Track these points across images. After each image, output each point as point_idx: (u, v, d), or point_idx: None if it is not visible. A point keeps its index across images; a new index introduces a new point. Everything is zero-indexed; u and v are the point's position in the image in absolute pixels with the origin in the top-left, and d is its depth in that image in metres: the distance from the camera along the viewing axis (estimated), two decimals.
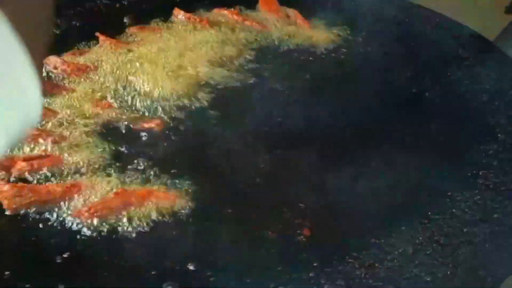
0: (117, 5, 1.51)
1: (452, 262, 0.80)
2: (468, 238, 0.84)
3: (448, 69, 1.22)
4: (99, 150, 1.02)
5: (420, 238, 0.85)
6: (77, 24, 1.44)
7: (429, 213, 0.90)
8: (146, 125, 1.09)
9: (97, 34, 1.34)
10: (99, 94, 1.16)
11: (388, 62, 1.25)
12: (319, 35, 1.36)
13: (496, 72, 1.19)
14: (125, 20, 1.44)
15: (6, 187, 0.93)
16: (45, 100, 1.13)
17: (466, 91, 1.17)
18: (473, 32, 1.32)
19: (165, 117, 1.10)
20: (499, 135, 1.04)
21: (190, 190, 0.95)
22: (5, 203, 0.92)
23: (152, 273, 0.82)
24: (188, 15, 1.43)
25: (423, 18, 1.42)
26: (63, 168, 0.99)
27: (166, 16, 1.44)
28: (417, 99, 1.14)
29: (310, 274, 0.81)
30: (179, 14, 1.44)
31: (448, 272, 0.79)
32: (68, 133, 1.06)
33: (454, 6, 1.42)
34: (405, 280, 0.78)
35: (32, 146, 1.03)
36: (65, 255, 0.84)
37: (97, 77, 1.21)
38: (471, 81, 1.19)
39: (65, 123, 1.08)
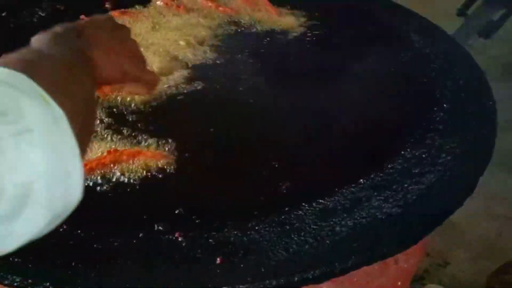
0: None
1: (404, 204, 0.94)
2: (416, 186, 0.98)
3: (402, 51, 1.37)
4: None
5: (377, 187, 0.99)
6: (61, 8, 1.53)
7: (385, 168, 1.03)
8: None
9: (82, 17, 1.44)
10: None
11: (348, 46, 1.39)
12: (286, 21, 1.49)
13: (443, 53, 1.35)
14: (106, 5, 1.55)
15: None
16: None
17: (416, 69, 1.31)
18: (426, 21, 1.48)
19: None
20: (444, 105, 1.18)
21: (175, 150, 1.06)
22: None
23: (144, 217, 0.93)
24: (166, 0, 1.54)
25: (384, 7, 1.57)
26: None
27: (145, 1, 1.55)
28: (372, 76, 1.27)
29: (282, 217, 0.93)
30: (157, 0, 1.56)
31: (400, 211, 0.92)
32: None
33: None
34: (363, 219, 0.91)
35: None
36: None
37: None
38: (421, 61, 1.33)
39: None
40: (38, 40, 0.70)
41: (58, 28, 0.75)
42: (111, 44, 0.78)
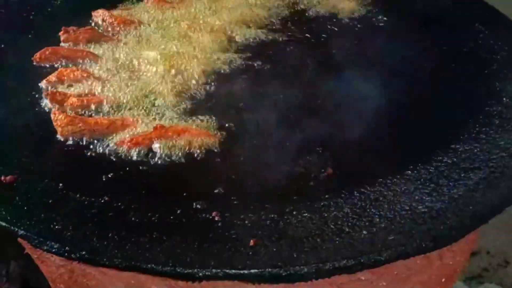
0: None
1: (448, 199, 0.90)
2: (464, 181, 0.94)
3: (463, 41, 1.32)
4: (142, 92, 1.14)
5: (422, 180, 0.96)
6: None
7: (433, 161, 1.00)
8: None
9: None
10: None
11: (408, 33, 1.35)
12: (345, 4, 1.46)
13: (508, 44, 1.28)
14: None
15: (61, 116, 1.06)
16: (92, 46, 1.26)
17: (477, 60, 1.26)
18: (489, 7, 1.41)
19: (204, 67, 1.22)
20: (504, 98, 1.13)
21: (220, 130, 1.06)
22: (59, 130, 1.05)
23: (184, 194, 0.94)
24: None
25: None
26: (108, 106, 1.12)
27: None
28: (430, 65, 1.23)
29: (322, 203, 0.91)
30: None
31: (443, 206, 0.89)
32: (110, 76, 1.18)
33: None
34: (403, 211, 0.89)
35: (79, 85, 1.16)
36: (109, 175, 0.97)
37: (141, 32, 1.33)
38: (484, 52, 1.28)
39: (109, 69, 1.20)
40: None
41: None
42: None
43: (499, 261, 2.19)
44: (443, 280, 1.13)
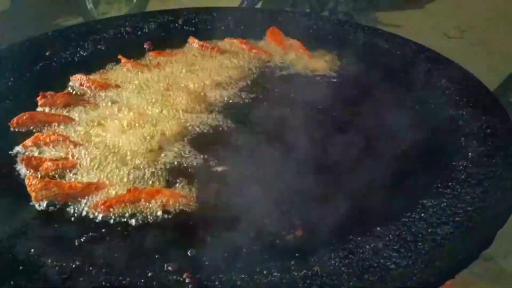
0: (139, 32, 1.68)
1: (415, 255, 0.92)
2: (431, 236, 0.96)
3: (430, 96, 1.36)
4: (116, 154, 1.16)
5: (390, 236, 0.97)
6: (102, 48, 1.60)
7: (401, 217, 1.02)
8: None
9: (120, 56, 1.51)
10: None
11: (376, 87, 1.40)
12: (316, 63, 1.51)
13: (473, 100, 1.33)
14: (145, 46, 1.61)
15: (35, 181, 1.07)
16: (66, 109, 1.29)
17: (444, 116, 1.30)
18: (455, 65, 1.46)
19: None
20: (469, 154, 1.16)
21: (194, 194, 1.08)
22: (33, 195, 1.06)
23: (156, 256, 0.94)
24: (201, 43, 1.59)
25: (412, 51, 1.57)
26: (83, 169, 1.14)
27: (182, 43, 1.61)
28: (401, 124, 1.26)
29: (292, 262, 0.93)
30: (193, 42, 1.61)
31: (410, 262, 0.91)
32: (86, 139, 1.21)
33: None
34: (372, 268, 0.90)
35: (55, 149, 1.17)
36: (82, 239, 0.98)
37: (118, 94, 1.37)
38: (449, 106, 1.32)
39: (83, 132, 1.23)
40: None
41: None
42: None
43: None
44: None
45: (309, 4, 3.72)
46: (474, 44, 4.12)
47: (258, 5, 3.41)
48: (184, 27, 1.73)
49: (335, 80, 1.47)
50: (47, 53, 1.55)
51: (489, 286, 2.22)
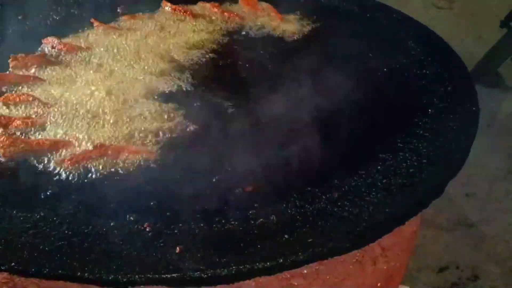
0: None
1: (367, 204, 0.96)
2: (384, 187, 1.00)
3: (397, 57, 1.39)
4: (85, 113, 1.19)
5: (346, 187, 1.01)
6: (75, 12, 1.62)
7: (360, 170, 1.05)
8: None
9: (92, 20, 1.53)
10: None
11: (345, 49, 1.42)
12: (287, 26, 1.53)
13: (437, 60, 1.36)
14: (118, 10, 1.63)
15: (3, 138, 1.10)
16: (37, 70, 1.31)
17: (409, 75, 1.33)
18: (424, 27, 1.49)
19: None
20: (429, 110, 1.19)
21: (157, 150, 1.11)
22: (1, 152, 1.09)
23: (119, 207, 0.98)
24: (174, 6, 1.61)
25: (386, 15, 1.59)
26: (51, 127, 1.16)
27: (155, 7, 1.62)
28: (364, 79, 1.30)
29: (250, 212, 0.96)
30: (166, 6, 1.62)
31: (362, 210, 0.94)
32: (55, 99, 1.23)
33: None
34: (325, 216, 0.94)
35: (25, 109, 1.20)
36: (48, 192, 1.01)
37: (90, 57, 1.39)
38: (414, 66, 1.35)
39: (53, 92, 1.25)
40: None
41: None
42: None
43: (468, 275, 2.24)
44: (378, 284, 1.17)
45: None
46: (462, 15, 4.14)
47: None
48: None
49: (301, 41, 1.49)
50: (19, 17, 1.56)
51: (470, 252, 2.28)
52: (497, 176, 2.69)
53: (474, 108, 1.17)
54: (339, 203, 0.97)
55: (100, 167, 1.07)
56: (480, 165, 2.59)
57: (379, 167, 1.06)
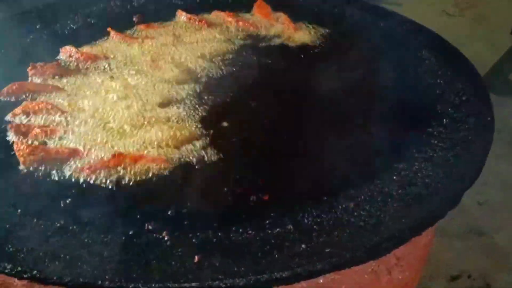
0: (128, 6, 1.71)
1: (383, 214, 0.96)
2: (400, 197, 1.00)
3: (411, 66, 1.40)
4: (103, 122, 1.21)
5: (362, 197, 1.02)
6: (92, 22, 1.64)
7: (376, 178, 1.06)
8: None
9: (109, 29, 1.54)
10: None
11: (358, 59, 1.43)
12: (301, 36, 1.54)
13: (451, 70, 1.36)
14: (134, 19, 1.65)
15: (23, 147, 1.12)
16: (56, 79, 1.33)
17: (423, 84, 1.34)
18: (437, 36, 1.49)
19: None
20: (444, 120, 1.20)
21: (173, 157, 1.12)
22: (21, 160, 1.11)
23: (138, 216, 0.99)
24: (189, 16, 1.62)
25: (397, 23, 1.60)
26: (70, 135, 1.18)
27: (170, 16, 1.64)
28: (379, 89, 1.30)
29: (267, 221, 0.97)
30: (181, 15, 1.64)
31: (378, 220, 0.95)
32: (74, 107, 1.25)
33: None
34: (341, 226, 0.94)
35: (44, 117, 1.22)
36: (67, 201, 1.02)
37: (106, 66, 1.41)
38: (428, 75, 1.35)
39: (71, 101, 1.27)
40: None
41: None
42: None
43: (481, 284, 2.23)
44: None
45: None
46: (473, 21, 4.13)
47: None
48: (173, 1, 1.76)
49: (317, 51, 1.50)
50: (37, 26, 1.58)
51: (482, 260, 2.27)
52: (510, 184, 2.68)
53: (489, 118, 1.17)
54: (355, 213, 0.98)
55: (118, 175, 1.08)
56: (492, 173, 2.57)
57: (394, 177, 1.06)
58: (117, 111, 1.23)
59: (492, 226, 2.44)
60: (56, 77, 1.36)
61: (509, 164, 2.72)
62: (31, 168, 1.10)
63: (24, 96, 1.30)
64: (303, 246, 0.91)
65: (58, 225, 0.96)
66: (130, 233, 0.95)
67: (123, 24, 1.61)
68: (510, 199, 2.58)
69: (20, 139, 1.16)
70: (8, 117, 1.23)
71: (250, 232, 0.95)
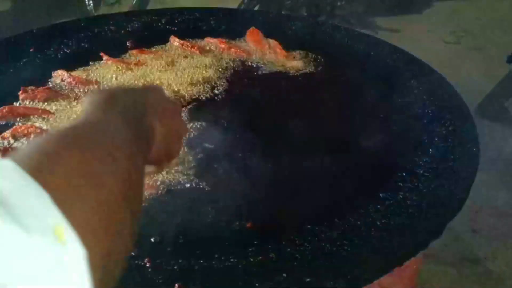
0: (122, 31, 1.73)
1: (366, 244, 0.97)
2: (384, 227, 1.01)
3: (400, 95, 1.41)
4: None
5: (346, 226, 1.02)
6: (85, 46, 1.66)
7: (360, 208, 1.07)
8: None
9: (102, 54, 1.56)
10: None
11: (348, 87, 1.44)
12: (293, 63, 1.56)
13: (439, 100, 1.37)
14: (127, 44, 1.66)
15: None
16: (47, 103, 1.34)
17: (410, 114, 1.35)
18: (427, 66, 1.51)
19: None
20: (430, 150, 1.21)
21: (158, 183, 1.12)
22: None
23: None
24: (182, 42, 1.64)
25: (390, 53, 1.62)
26: None
27: (164, 42, 1.66)
28: (366, 117, 1.32)
29: (249, 249, 0.97)
30: (174, 41, 1.66)
31: (360, 250, 0.95)
32: None
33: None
34: (324, 255, 0.95)
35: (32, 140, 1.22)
36: None
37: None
38: (416, 105, 1.37)
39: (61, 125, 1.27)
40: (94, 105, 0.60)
41: (116, 91, 0.66)
42: (168, 119, 0.67)
43: None
44: None
45: (305, 8, 3.77)
46: (470, 49, 4.16)
47: (256, 8, 3.45)
48: (167, 27, 1.78)
49: (307, 78, 1.52)
50: (30, 50, 1.60)
51: None
52: (504, 211, 2.68)
53: (474, 149, 1.17)
54: (338, 242, 0.98)
55: None
56: (487, 201, 2.58)
57: (378, 206, 1.07)
58: None
59: (486, 254, 2.43)
60: (47, 101, 1.37)
61: (503, 192, 2.72)
62: None
63: (13, 120, 1.31)
64: (284, 275, 0.91)
65: None
66: None
67: (116, 49, 1.62)
68: (504, 227, 2.58)
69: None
70: None
71: (232, 260, 0.95)
